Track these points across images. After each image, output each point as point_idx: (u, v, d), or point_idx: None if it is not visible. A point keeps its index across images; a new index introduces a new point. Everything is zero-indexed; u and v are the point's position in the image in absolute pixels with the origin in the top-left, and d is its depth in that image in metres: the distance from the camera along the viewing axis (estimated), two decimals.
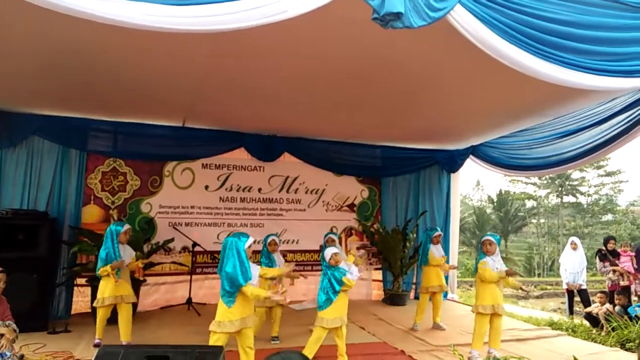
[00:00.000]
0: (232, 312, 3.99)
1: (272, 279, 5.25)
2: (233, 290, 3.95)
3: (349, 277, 4.55)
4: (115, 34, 3.28)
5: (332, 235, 6.45)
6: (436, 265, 6.54)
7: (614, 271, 8.10)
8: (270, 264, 5.51)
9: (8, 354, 3.95)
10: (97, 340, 5.20)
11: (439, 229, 7.00)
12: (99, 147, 7.21)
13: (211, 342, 4.01)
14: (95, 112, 6.83)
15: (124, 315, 5.25)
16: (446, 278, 7.48)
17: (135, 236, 6.13)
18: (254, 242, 4.79)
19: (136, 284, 5.95)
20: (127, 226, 5.48)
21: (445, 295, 8.30)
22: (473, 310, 5.18)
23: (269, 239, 5.69)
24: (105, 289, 5.18)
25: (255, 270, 4.10)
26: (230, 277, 3.92)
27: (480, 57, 3.57)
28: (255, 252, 5.26)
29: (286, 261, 5.95)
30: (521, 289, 5.43)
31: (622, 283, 7.97)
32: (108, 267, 5.08)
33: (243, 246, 3.98)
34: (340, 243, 8.75)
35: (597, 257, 8.65)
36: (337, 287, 4.54)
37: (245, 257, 3.96)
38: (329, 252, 4.66)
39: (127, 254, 5.43)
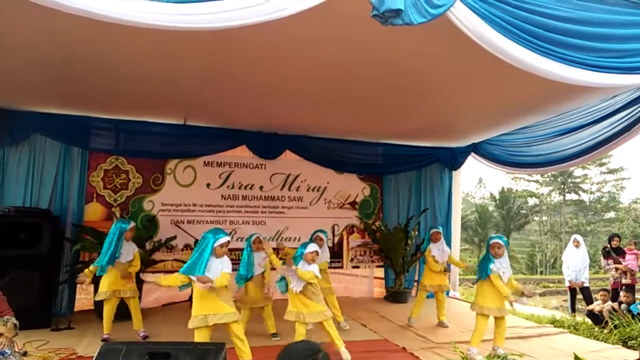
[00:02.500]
0: (194, 308, 4.28)
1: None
2: None
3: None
4: (115, 31, 3.29)
5: (320, 234, 6.29)
6: (436, 270, 6.47)
7: (617, 269, 8.09)
8: (245, 264, 5.42)
9: (8, 351, 3.95)
10: (105, 336, 5.26)
11: (440, 227, 6.96)
12: (101, 145, 7.24)
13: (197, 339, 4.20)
14: (96, 110, 6.85)
15: (131, 308, 5.52)
16: None
17: (137, 234, 6.15)
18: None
19: (139, 282, 5.98)
20: (132, 224, 5.57)
21: (447, 293, 8.31)
22: (473, 309, 5.19)
23: (253, 237, 5.59)
24: (104, 283, 5.33)
25: (217, 264, 4.28)
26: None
27: (481, 55, 3.57)
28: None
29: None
30: (522, 294, 5.29)
31: (624, 281, 7.96)
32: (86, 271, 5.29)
33: (210, 241, 4.25)
34: (342, 240, 8.78)
35: (602, 254, 8.64)
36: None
37: (201, 251, 4.23)
38: (312, 247, 4.70)
39: (130, 250, 5.50)
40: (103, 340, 5.08)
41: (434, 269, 6.47)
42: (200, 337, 4.22)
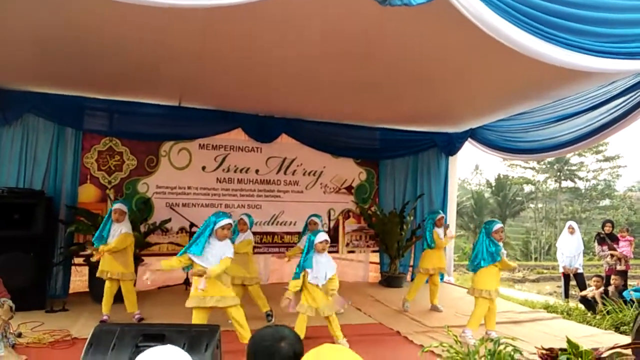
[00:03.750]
0: (193, 288, 4.30)
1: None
2: None
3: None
4: (109, 9, 3.23)
5: (315, 218, 6.32)
6: (441, 247, 6.60)
7: (612, 255, 8.14)
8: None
9: None
10: (104, 317, 5.28)
11: (440, 211, 6.98)
12: (95, 126, 7.15)
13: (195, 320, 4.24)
14: (90, 90, 6.76)
15: (125, 290, 5.52)
16: None
17: (132, 216, 6.11)
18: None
19: (134, 264, 5.97)
20: (116, 205, 5.49)
21: (442, 278, 8.35)
22: (471, 294, 5.24)
23: (238, 218, 5.73)
24: (103, 262, 5.39)
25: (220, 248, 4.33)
26: None
27: (481, 38, 3.52)
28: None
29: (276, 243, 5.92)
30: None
31: (618, 267, 8.01)
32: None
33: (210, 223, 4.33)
34: (338, 225, 8.79)
35: (596, 241, 8.68)
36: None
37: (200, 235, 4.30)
38: (322, 236, 4.68)
39: (116, 231, 5.40)
40: (102, 322, 5.08)
41: (440, 245, 6.54)
42: (198, 317, 4.25)
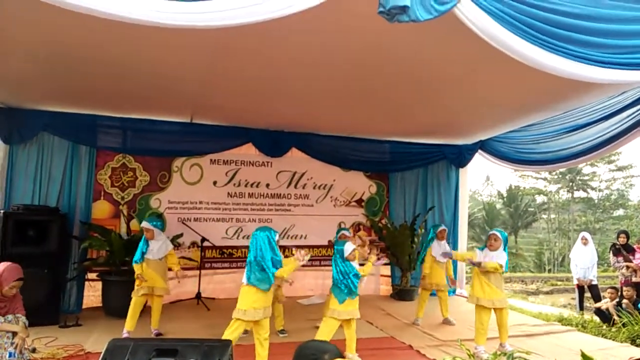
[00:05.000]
0: (258, 299, 4.25)
1: None
2: (265, 276, 4.23)
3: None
4: (121, 29, 3.30)
5: (345, 232, 6.43)
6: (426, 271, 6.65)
7: (628, 267, 8.02)
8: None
9: (13, 352, 3.97)
10: (125, 334, 5.20)
11: (442, 224, 6.98)
12: (108, 143, 7.26)
13: (230, 329, 4.23)
14: (103, 109, 6.89)
15: (154, 306, 5.60)
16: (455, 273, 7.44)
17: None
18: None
19: None
20: (143, 223, 5.67)
21: (454, 292, 8.29)
22: (469, 301, 5.33)
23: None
24: (148, 279, 5.45)
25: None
26: (259, 266, 4.24)
27: (488, 51, 3.55)
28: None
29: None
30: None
31: (634, 279, 7.88)
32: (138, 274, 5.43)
33: (274, 236, 4.37)
34: None
35: (611, 252, 8.57)
36: (356, 281, 4.66)
37: (276, 247, 4.36)
38: (350, 246, 4.72)
39: (162, 248, 5.63)
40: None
41: (426, 267, 6.61)
42: (237, 330, 4.25)
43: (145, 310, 5.80)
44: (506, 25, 3.41)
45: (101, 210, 7.27)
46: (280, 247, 5.93)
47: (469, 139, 8.75)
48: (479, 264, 5.10)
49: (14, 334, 3.91)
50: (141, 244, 5.52)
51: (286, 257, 5.49)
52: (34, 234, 6.04)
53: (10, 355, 3.93)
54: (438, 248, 6.58)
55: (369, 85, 5.57)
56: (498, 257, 5.09)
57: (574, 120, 6.53)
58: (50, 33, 4.14)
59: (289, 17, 3.07)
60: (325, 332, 4.62)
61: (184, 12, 2.93)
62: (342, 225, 8.54)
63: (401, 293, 8.42)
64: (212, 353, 3.21)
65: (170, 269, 5.73)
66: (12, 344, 3.94)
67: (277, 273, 4.26)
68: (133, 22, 2.84)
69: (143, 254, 5.47)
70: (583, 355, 3.40)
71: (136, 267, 5.43)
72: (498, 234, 5.22)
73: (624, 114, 5.73)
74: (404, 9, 3.05)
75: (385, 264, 8.95)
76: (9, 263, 4.10)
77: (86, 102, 6.56)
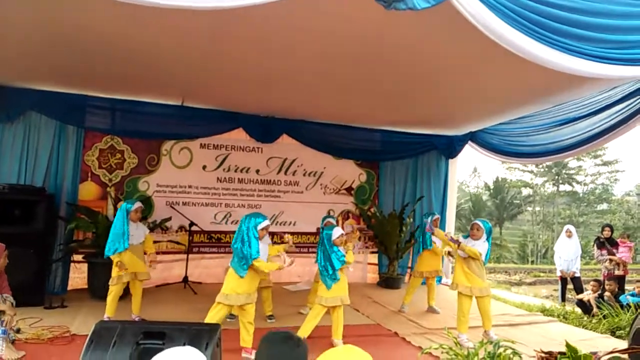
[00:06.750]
0: (240, 285, 4.31)
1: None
2: (243, 263, 4.31)
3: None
4: (113, 8, 3.24)
5: (330, 219, 6.42)
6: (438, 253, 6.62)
7: (611, 260, 8.16)
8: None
9: (5, 329, 3.95)
10: (106, 318, 5.09)
11: (436, 213, 7.01)
12: (97, 124, 7.16)
13: (212, 312, 4.31)
14: (92, 89, 6.77)
15: (136, 292, 5.45)
16: None
17: None
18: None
19: None
20: (137, 204, 5.49)
21: (440, 280, 8.38)
22: (452, 288, 5.39)
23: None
24: (129, 264, 5.25)
25: (264, 248, 4.49)
26: (238, 253, 4.31)
27: (484, 42, 3.54)
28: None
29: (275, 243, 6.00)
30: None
31: (617, 272, 8.03)
32: (116, 264, 5.16)
33: (253, 224, 4.36)
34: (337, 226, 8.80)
35: (595, 245, 8.70)
36: (337, 266, 4.68)
37: (253, 236, 4.34)
38: (337, 231, 4.77)
39: (140, 232, 5.46)
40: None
41: (437, 250, 6.59)
42: (218, 314, 4.31)
43: (125, 295, 5.58)
44: (503, 17, 3.40)
45: (88, 191, 7.19)
46: (269, 233, 5.94)
47: (460, 130, 8.78)
48: (457, 242, 5.15)
49: (2, 312, 3.90)
50: (125, 228, 5.21)
51: (275, 243, 5.53)
52: (19, 214, 5.96)
53: (3, 333, 3.92)
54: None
55: (363, 74, 5.54)
56: (479, 247, 5.15)
57: (564, 113, 6.58)
58: (42, 12, 4.06)
59: (282, 2, 3.03)
60: (311, 317, 4.71)
61: None
62: (331, 213, 8.55)
63: (388, 281, 8.49)
64: (200, 336, 3.21)
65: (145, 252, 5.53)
66: (1, 322, 3.93)
67: (256, 263, 4.30)
68: (130, 1, 2.78)
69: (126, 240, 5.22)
70: (567, 345, 3.46)
71: (117, 256, 5.17)
72: (480, 223, 5.27)
73: (614, 109, 5.79)
74: None
75: (373, 252, 9.05)
76: None
77: (75, 82, 6.43)
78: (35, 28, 4.46)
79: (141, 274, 5.42)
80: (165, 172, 7.67)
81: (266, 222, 4.49)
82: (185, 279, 7.30)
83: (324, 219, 6.53)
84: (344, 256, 4.73)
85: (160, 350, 1.75)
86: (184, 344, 3.08)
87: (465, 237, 5.41)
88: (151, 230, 7.06)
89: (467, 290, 5.17)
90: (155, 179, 7.60)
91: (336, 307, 4.75)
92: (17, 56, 5.34)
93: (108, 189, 7.29)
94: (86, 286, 6.74)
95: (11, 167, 6.53)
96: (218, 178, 8.02)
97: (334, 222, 6.40)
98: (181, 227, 7.63)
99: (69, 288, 6.84)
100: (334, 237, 4.72)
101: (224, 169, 8.06)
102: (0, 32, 4.55)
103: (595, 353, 3.47)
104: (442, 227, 8.92)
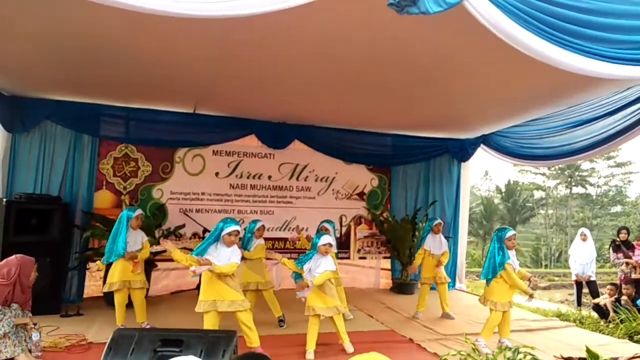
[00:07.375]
0: (202, 293, 4.39)
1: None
2: None
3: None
4: (126, 17, 3.28)
5: (326, 224, 6.34)
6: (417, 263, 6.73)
7: (627, 263, 8.04)
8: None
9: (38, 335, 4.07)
10: (121, 326, 5.07)
11: (438, 218, 6.97)
12: (111, 133, 7.26)
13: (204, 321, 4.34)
14: (107, 98, 6.87)
15: (136, 300, 5.39)
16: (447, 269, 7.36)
17: (146, 222, 6.18)
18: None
19: (148, 269, 6.02)
20: (138, 211, 5.50)
21: (452, 285, 8.31)
22: (482, 303, 5.18)
23: (258, 224, 5.84)
24: (114, 273, 5.23)
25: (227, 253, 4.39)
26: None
27: (496, 45, 3.54)
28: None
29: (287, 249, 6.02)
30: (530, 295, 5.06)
31: (634, 276, 7.90)
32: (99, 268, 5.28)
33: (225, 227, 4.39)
34: (349, 231, 8.79)
35: (611, 248, 8.58)
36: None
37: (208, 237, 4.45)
38: (326, 239, 4.76)
39: (138, 239, 5.41)
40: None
41: (416, 262, 6.67)
42: (210, 322, 4.29)
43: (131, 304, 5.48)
44: (516, 20, 3.40)
45: (103, 199, 7.26)
46: (282, 239, 5.96)
47: (472, 133, 8.74)
48: (530, 280, 5.05)
49: (25, 324, 4.01)
50: (123, 235, 5.20)
51: (286, 249, 5.51)
52: (36, 223, 6.03)
53: (38, 337, 4.03)
54: (432, 241, 6.58)
55: (374, 77, 5.54)
56: (513, 259, 5.05)
57: (578, 115, 6.52)
58: (56, 23, 4.12)
59: (296, 7, 3.06)
60: (310, 331, 4.70)
61: (192, 0, 2.91)
62: (344, 219, 8.54)
63: (401, 287, 8.44)
64: (217, 343, 3.23)
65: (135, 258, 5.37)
66: (34, 325, 4.06)
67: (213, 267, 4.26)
68: (139, 10, 2.82)
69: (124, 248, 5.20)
70: (588, 351, 3.42)
71: (103, 265, 5.23)
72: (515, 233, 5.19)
73: (629, 110, 5.72)
74: (413, 0, 3.03)
75: (386, 258, 9.00)
76: (16, 255, 4.17)
77: (90, 92, 6.53)
78: (49, 39, 4.53)
79: (135, 282, 5.30)
80: (179, 180, 7.72)
81: (232, 228, 4.41)
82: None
83: (320, 223, 6.46)
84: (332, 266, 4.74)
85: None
86: (201, 352, 3.11)
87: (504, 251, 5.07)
88: (165, 237, 7.12)
89: (504, 306, 5.03)
90: (168, 186, 7.65)
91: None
92: (33, 67, 5.44)
93: (123, 196, 7.36)
94: (101, 294, 6.77)
95: (28, 177, 6.63)
96: (231, 185, 8.06)
97: (330, 227, 6.30)
98: (195, 234, 7.66)
99: (84, 296, 6.90)
100: (319, 244, 4.72)
101: (236, 176, 8.10)
102: (16, 43, 4.63)
103: (616, 359, 3.42)
104: (455, 232, 8.95)
